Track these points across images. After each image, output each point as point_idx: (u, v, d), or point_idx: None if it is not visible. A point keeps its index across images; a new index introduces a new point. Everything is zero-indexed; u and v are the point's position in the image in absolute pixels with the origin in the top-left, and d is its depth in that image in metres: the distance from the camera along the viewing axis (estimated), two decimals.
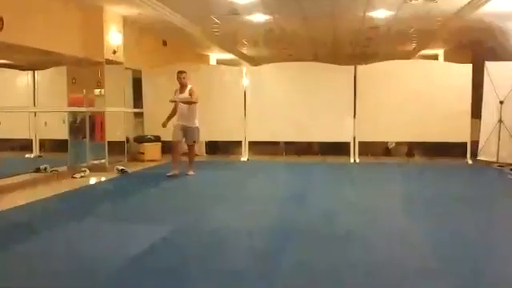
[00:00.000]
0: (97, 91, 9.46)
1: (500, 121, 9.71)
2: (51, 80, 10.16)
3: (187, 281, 3.54)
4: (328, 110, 10.84)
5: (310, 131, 10.92)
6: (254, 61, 18.29)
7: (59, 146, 9.64)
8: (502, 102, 9.69)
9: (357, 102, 10.84)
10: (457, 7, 9.76)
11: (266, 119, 10.89)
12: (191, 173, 8.59)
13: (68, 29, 8.73)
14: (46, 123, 10.09)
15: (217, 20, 11.25)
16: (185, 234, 4.83)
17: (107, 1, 8.83)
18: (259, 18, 11.10)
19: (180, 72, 8.49)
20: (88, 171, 8.69)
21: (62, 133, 9.23)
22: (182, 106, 8.35)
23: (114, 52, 9.51)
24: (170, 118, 8.54)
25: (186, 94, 8.36)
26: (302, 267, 3.84)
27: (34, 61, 9.43)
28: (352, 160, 10.78)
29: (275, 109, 10.96)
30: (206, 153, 12.06)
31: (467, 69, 10.53)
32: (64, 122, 9.24)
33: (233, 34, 13.51)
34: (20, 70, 10.31)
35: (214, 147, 12.24)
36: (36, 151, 10.16)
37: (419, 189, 7.43)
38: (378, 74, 10.92)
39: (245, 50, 17.07)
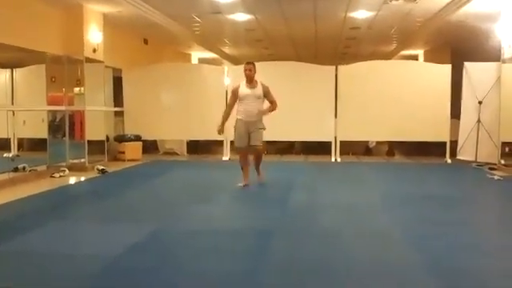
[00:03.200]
0: (76, 90, 9.35)
1: (479, 121, 9.85)
2: (30, 78, 9.99)
3: (169, 281, 3.51)
4: (309, 109, 10.87)
5: (291, 131, 10.94)
6: (236, 60, 18.27)
7: (38, 145, 9.50)
8: (480, 103, 9.84)
9: (338, 101, 10.89)
10: (437, 8, 9.88)
11: None
12: (263, 181, 7.42)
13: (47, 26, 8.63)
14: (24, 122, 9.92)
15: (198, 19, 11.21)
16: (167, 234, 4.79)
17: None
18: (241, 17, 11.09)
19: (248, 63, 7.11)
20: (67, 171, 8.60)
21: (41, 132, 9.10)
22: (252, 104, 7.05)
23: (94, 50, 9.41)
24: (224, 121, 7.24)
25: (258, 91, 7.06)
26: (284, 266, 3.84)
27: (12, 58, 9.27)
28: (333, 159, 10.84)
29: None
30: (187, 152, 12.01)
31: (446, 69, 10.66)
32: (43, 121, 9.11)
33: (214, 33, 13.48)
34: None
35: (195, 146, 12.19)
36: (14, 150, 9.99)
37: (399, 188, 7.49)
38: (359, 74, 10.99)
39: (226, 49, 17.04)
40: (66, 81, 9.19)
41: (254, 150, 7.17)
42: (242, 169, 7.23)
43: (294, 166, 10.17)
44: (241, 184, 7.14)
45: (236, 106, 7.20)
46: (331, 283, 3.48)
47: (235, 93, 7.14)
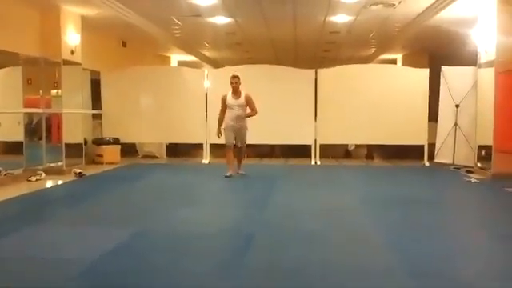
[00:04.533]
0: (54, 92, 9.22)
1: (456, 124, 9.98)
2: (6, 80, 9.81)
3: (148, 284, 3.46)
4: (289, 112, 10.89)
5: (271, 134, 10.94)
6: (216, 63, 18.24)
7: (14, 148, 9.31)
8: (457, 106, 9.97)
9: (318, 105, 10.94)
10: (415, 13, 10.00)
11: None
12: (242, 172, 8.69)
13: (24, 28, 8.50)
14: None
15: (178, 21, 11.15)
16: (145, 238, 4.74)
17: (65, 0, 8.61)
18: (221, 20, 11.07)
19: (233, 76, 8.34)
20: (44, 174, 8.46)
21: (17, 134, 8.93)
22: (237, 111, 8.33)
23: (72, 52, 9.30)
24: (220, 125, 8.44)
25: (241, 101, 8.31)
26: (263, 270, 3.82)
27: None
28: (313, 162, 10.87)
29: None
30: (167, 155, 11.93)
31: (424, 73, 10.79)
32: (19, 124, 8.94)
33: (194, 36, 13.43)
34: None
35: (174, 150, 12.11)
36: None
37: (378, 191, 7.53)
38: (339, 77, 11.06)
39: (206, 52, 17.00)
40: (43, 83, 9.05)
41: (238, 149, 8.57)
42: (228, 163, 8.50)
43: (274, 169, 10.17)
44: (228, 174, 8.37)
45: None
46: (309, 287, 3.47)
47: (224, 100, 8.39)
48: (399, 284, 3.54)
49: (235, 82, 8.28)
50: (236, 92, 8.31)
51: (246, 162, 11.35)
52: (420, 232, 4.96)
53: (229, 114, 8.38)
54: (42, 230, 4.99)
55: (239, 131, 8.41)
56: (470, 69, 9.70)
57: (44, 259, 4.02)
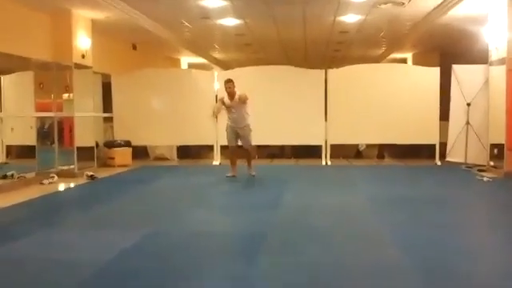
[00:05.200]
0: (65, 96, 9.30)
1: (467, 123, 9.91)
2: (18, 85, 9.93)
3: (162, 283, 3.48)
4: (300, 113, 10.89)
5: (282, 135, 10.96)
6: (226, 65, 18.27)
7: (27, 152, 9.41)
8: (469, 105, 9.90)
9: (328, 105, 10.92)
10: (425, 11, 9.94)
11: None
12: (253, 173, 8.60)
13: (35, 32, 8.58)
14: (12, 129, 9.86)
15: (187, 24, 11.19)
16: (159, 239, 4.77)
17: (75, 4, 8.69)
18: (230, 22, 11.09)
19: (226, 81, 8.28)
20: (56, 177, 8.52)
21: (29, 138, 9.02)
22: (235, 113, 8.28)
23: (83, 56, 9.37)
24: (217, 108, 8.40)
25: (237, 102, 8.21)
26: (275, 269, 3.83)
27: None
28: (324, 162, 10.85)
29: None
30: (178, 157, 11.97)
31: (435, 72, 10.73)
32: (32, 128, 9.03)
33: (204, 38, 13.47)
34: None
35: (185, 152, 12.15)
36: (2, 157, 9.91)
37: (389, 190, 7.50)
38: (349, 77, 11.03)
39: (216, 54, 17.04)
40: (55, 87, 9.12)
41: (245, 151, 8.56)
42: (231, 164, 8.55)
43: (285, 170, 10.16)
44: (229, 174, 8.49)
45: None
46: (320, 287, 3.47)
47: (222, 100, 8.42)
48: (412, 285, 3.53)
49: (228, 86, 8.20)
50: (232, 96, 8.23)
51: (256, 162, 11.40)
52: (432, 231, 4.94)
53: (228, 116, 8.42)
54: (56, 233, 5.03)
55: (240, 132, 8.35)
56: (481, 67, 9.62)
57: (58, 261, 4.05)
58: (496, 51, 8.84)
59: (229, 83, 8.22)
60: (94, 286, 3.55)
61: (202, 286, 3.51)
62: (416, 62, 15.10)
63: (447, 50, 12.82)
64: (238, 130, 8.35)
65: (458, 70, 10.23)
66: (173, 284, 3.53)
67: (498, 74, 8.73)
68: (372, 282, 3.56)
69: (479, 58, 9.75)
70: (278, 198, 6.71)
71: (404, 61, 16.37)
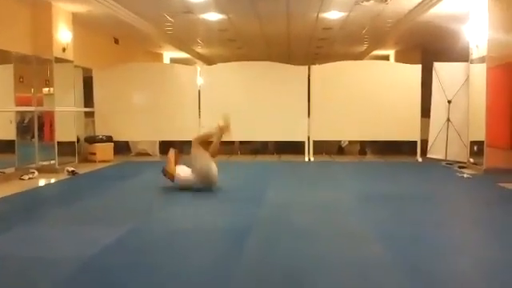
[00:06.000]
0: (46, 90, 9.17)
1: (448, 120, 10.03)
2: None
3: (146, 279, 3.46)
4: (283, 109, 10.91)
5: (264, 131, 10.96)
6: (209, 60, 18.20)
7: (6, 146, 9.25)
8: (449, 102, 10.02)
9: (311, 101, 10.96)
10: (407, 9, 10.02)
11: (220, 119, 10.81)
12: None
13: (15, 25, 8.44)
14: None
15: (170, 18, 11.12)
16: (141, 234, 4.73)
17: None
18: (213, 16, 11.05)
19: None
20: (37, 173, 8.42)
21: (8, 133, 8.88)
22: None
23: (64, 50, 9.25)
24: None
25: None
26: (257, 265, 3.83)
27: None
28: (307, 159, 10.89)
29: (230, 108, 10.83)
30: (160, 153, 11.90)
31: (417, 69, 10.82)
32: (11, 122, 8.89)
33: (187, 33, 13.39)
34: None
35: (167, 147, 12.04)
36: None
37: (371, 187, 7.55)
38: (332, 74, 11.08)
39: (199, 49, 16.96)
40: (35, 81, 9.00)
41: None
42: None
43: (268, 166, 10.17)
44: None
45: None
46: (302, 283, 3.48)
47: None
48: (394, 282, 3.55)
49: None
50: None
51: (239, 158, 11.41)
52: (413, 227, 4.98)
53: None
54: (36, 229, 4.96)
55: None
56: (462, 64, 9.74)
57: (40, 258, 3.99)
58: (476, 49, 8.95)
59: None
60: (79, 281, 3.52)
61: (190, 281, 3.50)
62: (398, 59, 15.23)
63: (429, 47, 12.95)
64: None
65: (439, 67, 10.34)
66: (160, 280, 3.51)
67: (479, 71, 8.84)
68: (352, 276, 3.59)
69: (460, 55, 9.86)
70: (261, 195, 6.71)
71: (386, 58, 16.49)
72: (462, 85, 9.73)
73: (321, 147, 11.32)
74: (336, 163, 10.69)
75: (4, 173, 8.13)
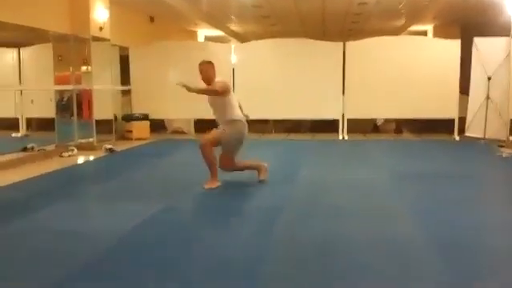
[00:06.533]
0: (84, 68, 9.34)
1: (488, 97, 9.75)
2: (37, 57, 9.99)
3: (177, 255, 3.55)
4: (317, 87, 10.82)
5: (299, 109, 10.91)
6: (243, 38, 18.14)
7: (46, 124, 9.53)
8: (489, 78, 9.72)
9: (346, 78, 10.83)
10: None
11: (254, 97, 10.81)
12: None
13: (53, 5, 8.59)
14: (32, 101, 9.96)
15: None
16: (175, 212, 4.84)
17: None
18: None
19: (201, 64, 6.16)
20: (76, 150, 8.62)
21: (49, 111, 9.12)
22: (210, 103, 6.22)
23: (101, 29, 9.37)
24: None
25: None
26: (290, 241, 3.89)
27: (19, 38, 9.26)
28: (341, 137, 10.81)
29: (264, 86, 10.90)
30: (195, 131, 12.01)
31: (455, 45, 10.54)
32: (51, 100, 9.13)
33: (221, 10, 13.36)
34: (4, 47, 10.12)
35: (202, 126, 12.15)
36: (23, 130, 10.05)
37: (406, 165, 7.47)
38: (367, 50, 10.88)
39: (233, 27, 16.90)
40: (73, 60, 9.16)
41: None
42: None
43: (302, 144, 10.15)
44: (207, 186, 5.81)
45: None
46: (334, 259, 3.50)
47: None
48: (426, 259, 3.54)
49: (200, 70, 6.15)
50: (208, 83, 6.09)
51: (273, 136, 11.42)
52: (450, 207, 4.93)
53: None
54: (75, 205, 5.13)
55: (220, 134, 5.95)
56: (503, 39, 9.42)
57: (75, 232, 4.14)
58: None
59: (202, 65, 6.11)
60: (111, 255, 3.63)
61: (225, 254, 3.58)
62: (437, 34, 14.83)
63: (469, 22, 12.55)
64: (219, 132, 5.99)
65: (479, 42, 10.02)
66: (198, 253, 3.60)
67: None
68: (382, 254, 3.59)
69: (501, 30, 9.53)
70: (295, 173, 6.73)
71: (424, 33, 16.07)
72: (503, 61, 9.43)
73: (355, 125, 11.21)
74: (371, 142, 10.58)
75: (45, 150, 8.36)
